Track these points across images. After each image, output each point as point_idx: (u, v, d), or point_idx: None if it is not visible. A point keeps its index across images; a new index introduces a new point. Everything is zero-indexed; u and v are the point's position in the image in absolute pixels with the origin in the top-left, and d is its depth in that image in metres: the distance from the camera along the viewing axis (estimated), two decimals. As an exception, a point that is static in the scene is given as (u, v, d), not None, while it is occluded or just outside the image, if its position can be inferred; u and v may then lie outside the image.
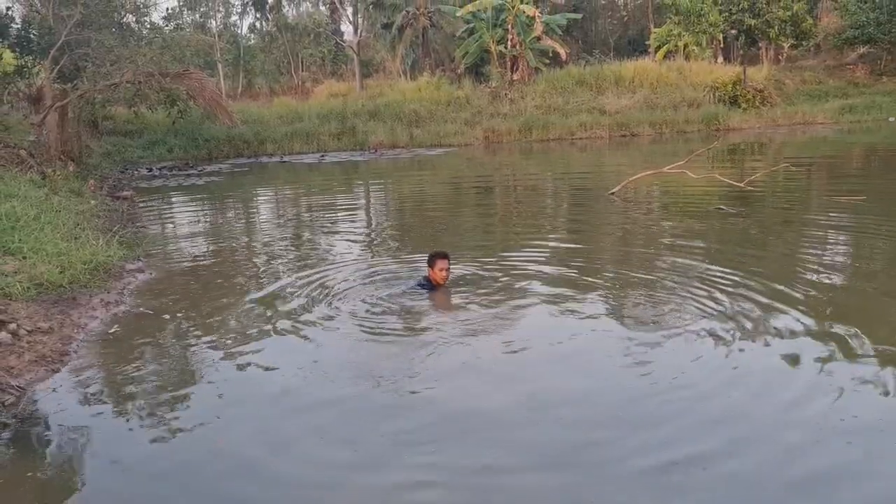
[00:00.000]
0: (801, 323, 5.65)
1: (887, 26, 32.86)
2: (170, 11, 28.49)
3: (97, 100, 19.13)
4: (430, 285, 6.86)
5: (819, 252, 8.13)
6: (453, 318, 6.18)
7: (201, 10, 50.02)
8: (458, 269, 7.43)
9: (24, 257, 7.50)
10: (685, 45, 35.97)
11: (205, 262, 8.97)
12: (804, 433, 3.99)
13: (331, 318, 6.31)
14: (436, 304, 6.65)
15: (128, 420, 4.50)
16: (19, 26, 20.51)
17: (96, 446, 4.19)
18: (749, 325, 5.66)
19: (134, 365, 5.40)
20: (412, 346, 5.59)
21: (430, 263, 6.84)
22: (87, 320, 6.34)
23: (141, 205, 14.79)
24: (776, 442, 3.91)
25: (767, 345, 5.29)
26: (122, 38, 20.04)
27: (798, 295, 6.40)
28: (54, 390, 4.94)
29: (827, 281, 6.90)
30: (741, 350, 5.19)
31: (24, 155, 14.52)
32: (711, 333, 5.50)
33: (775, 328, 5.58)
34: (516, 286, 7.01)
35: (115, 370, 5.32)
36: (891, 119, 28.63)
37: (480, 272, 7.56)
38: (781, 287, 6.63)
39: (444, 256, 6.85)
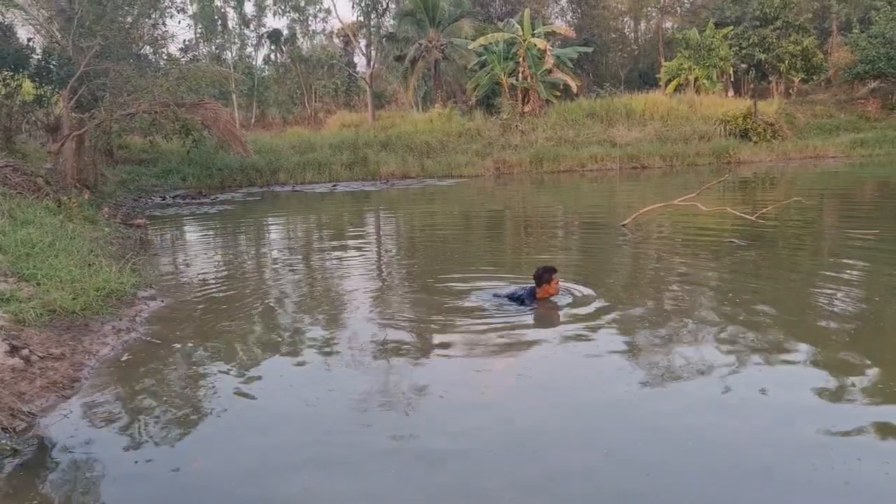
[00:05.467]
0: (813, 361, 5.61)
1: (898, 61, 33.02)
2: (186, 43, 28.88)
3: (113, 129, 19.37)
4: (530, 299, 7.13)
5: (832, 287, 8.07)
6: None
7: (217, 42, 50.79)
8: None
9: (39, 283, 7.56)
10: (696, 79, 36.21)
11: (216, 290, 9.01)
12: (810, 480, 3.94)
13: (343, 348, 6.33)
14: (544, 317, 6.97)
15: (137, 448, 4.50)
16: (39, 57, 20.88)
17: (106, 473, 4.19)
18: (758, 362, 5.62)
19: (144, 392, 5.41)
20: (415, 373, 5.59)
21: (546, 279, 7.10)
22: (99, 347, 6.37)
23: (154, 233, 14.92)
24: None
25: (771, 384, 5.25)
26: (140, 69, 20.32)
27: (810, 332, 6.37)
28: (65, 416, 4.95)
29: (839, 318, 6.85)
30: (747, 387, 5.16)
31: (41, 182, 14.66)
32: (721, 370, 5.47)
33: (785, 366, 5.53)
34: (528, 316, 6.99)
35: (125, 397, 5.33)
36: (903, 153, 28.60)
37: (489, 301, 7.56)
38: (793, 323, 6.61)
39: (556, 270, 7.22)
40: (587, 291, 7.75)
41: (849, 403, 4.77)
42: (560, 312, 7.08)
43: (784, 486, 3.77)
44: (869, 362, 5.48)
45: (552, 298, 7.24)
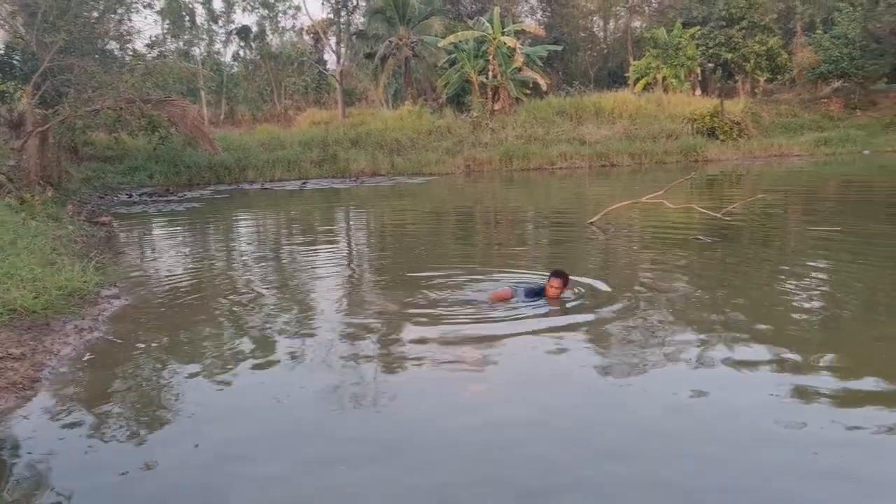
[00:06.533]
0: (777, 356, 5.70)
1: (860, 61, 33.74)
2: (153, 39, 28.45)
3: (78, 125, 19.05)
4: (532, 297, 7.24)
5: (795, 283, 8.23)
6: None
7: (185, 38, 50.14)
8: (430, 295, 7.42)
9: (-2, 282, 7.41)
10: (664, 78, 36.60)
11: (183, 288, 8.90)
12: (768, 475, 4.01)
13: (314, 345, 6.29)
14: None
15: (97, 449, 4.43)
16: (2, 52, 20.48)
17: (66, 474, 4.12)
18: (723, 358, 5.71)
19: (106, 393, 5.33)
20: (400, 371, 5.58)
21: (548, 278, 7.27)
22: (60, 347, 6.26)
23: (119, 231, 14.70)
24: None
25: (737, 380, 5.33)
26: (105, 65, 20.02)
27: (774, 327, 6.49)
28: (25, 418, 4.86)
29: (803, 313, 6.98)
30: (712, 385, 5.23)
31: (3, 180, 14.41)
32: (689, 366, 5.55)
33: (750, 361, 5.61)
34: (496, 314, 7.02)
35: (86, 398, 5.24)
36: (865, 152, 29.23)
37: (460, 297, 7.58)
38: (758, 319, 6.73)
39: (558, 275, 7.25)
40: (601, 289, 7.82)
41: (810, 398, 4.85)
42: (556, 311, 7.07)
43: (742, 479, 3.84)
44: (831, 357, 5.60)
45: (562, 297, 7.30)
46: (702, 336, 6.18)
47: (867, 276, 8.47)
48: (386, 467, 4.12)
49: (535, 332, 6.45)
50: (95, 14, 22.64)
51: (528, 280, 8.06)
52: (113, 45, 24.87)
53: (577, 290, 7.63)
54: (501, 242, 12.52)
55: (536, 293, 7.31)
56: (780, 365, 5.44)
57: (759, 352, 5.75)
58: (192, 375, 5.61)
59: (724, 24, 36.35)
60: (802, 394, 4.88)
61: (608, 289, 7.89)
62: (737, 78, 39.53)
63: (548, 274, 7.42)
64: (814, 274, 8.74)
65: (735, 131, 30.86)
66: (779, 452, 4.08)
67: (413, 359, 5.88)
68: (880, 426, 4.37)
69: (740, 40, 35.58)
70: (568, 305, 7.23)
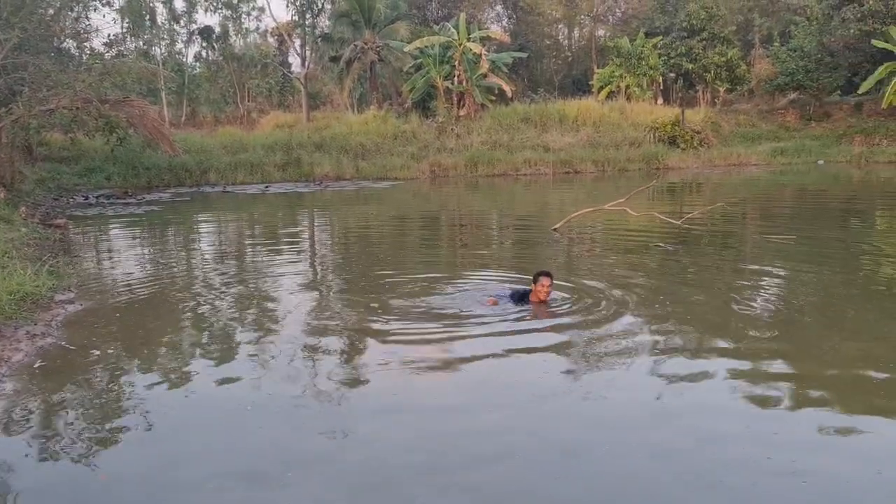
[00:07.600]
0: (735, 360, 5.76)
1: (815, 74, 34.64)
2: (112, 38, 27.72)
3: (32, 125, 18.54)
4: (518, 300, 7.27)
5: (753, 289, 8.35)
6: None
7: (145, 37, 49.29)
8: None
9: (-54, 287, 7.17)
10: (626, 86, 37.07)
11: (140, 292, 8.70)
12: (732, 476, 4.04)
13: (277, 351, 6.18)
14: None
15: (48, 460, 4.28)
16: (-48, 48, 19.83)
17: (13, 487, 3.97)
18: (684, 363, 5.75)
19: (58, 401, 5.16)
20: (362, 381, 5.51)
21: (535, 280, 7.25)
22: (11, 353, 6.06)
23: (75, 234, 14.34)
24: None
25: (698, 382, 5.38)
26: (61, 63, 19.54)
27: (733, 333, 6.56)
28: (-29, 427, 4.68)
29: (761, 319, 7.08)
30: (673, 388, 5.27)
31: (-48, 180, 13.96)
32: (649, 371, 5.58)
33: (708, 365, 5.67)
34: (463, 319, 6.98)
35: (37, 406, 5.07)
36: (819, 162, 29.98)
37: (423, 304, 7.54)
38: (717, 325, 6.81)
39: (547, 275, 7.25)
40: (570, 294, 7.82)
41: (768, 402, 4.91)
42: (542, 316, 7.07)
43: (700, 485, 3.86)
44: (788, 361, 5.67)
45: (549, 301, 7.30)
46: (664, 340, 6.21)
47: (821, 281, 8.65)
48: (334, 470, 4.06)
49: (509, 339, 6.42)
50: (51, 11, 22.06)
51: (503, 286, 8.06)
52: (70, 44, 24.25)
53: (563, 297, 7.64)
54: (466, 245, 12.51)
55: (521, 297, 7.31)
56: (740, 369, 5.49)
57: (720, 356, 5.80)
58: (149, 383, 5.46)
59: (685, 34, 37.02)
60: (759, 397, 4.94)
61: (576, 294, 7.90)
62: (697, 88, 40.27)
63: (511, 279, 7.41)
64: (771, 281, 8.88)
65: (695, 140, 31.42)
66: (735, 453, 4.11)
67: (380, 364, 5.79)
68: (832, 429, 4.46)
69: (701, 51, 36.26)
70: (552, 310, 7.22)
